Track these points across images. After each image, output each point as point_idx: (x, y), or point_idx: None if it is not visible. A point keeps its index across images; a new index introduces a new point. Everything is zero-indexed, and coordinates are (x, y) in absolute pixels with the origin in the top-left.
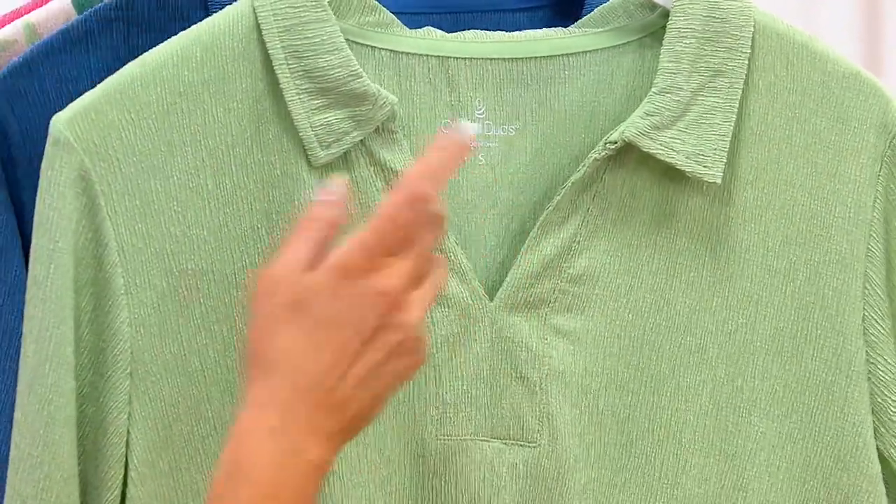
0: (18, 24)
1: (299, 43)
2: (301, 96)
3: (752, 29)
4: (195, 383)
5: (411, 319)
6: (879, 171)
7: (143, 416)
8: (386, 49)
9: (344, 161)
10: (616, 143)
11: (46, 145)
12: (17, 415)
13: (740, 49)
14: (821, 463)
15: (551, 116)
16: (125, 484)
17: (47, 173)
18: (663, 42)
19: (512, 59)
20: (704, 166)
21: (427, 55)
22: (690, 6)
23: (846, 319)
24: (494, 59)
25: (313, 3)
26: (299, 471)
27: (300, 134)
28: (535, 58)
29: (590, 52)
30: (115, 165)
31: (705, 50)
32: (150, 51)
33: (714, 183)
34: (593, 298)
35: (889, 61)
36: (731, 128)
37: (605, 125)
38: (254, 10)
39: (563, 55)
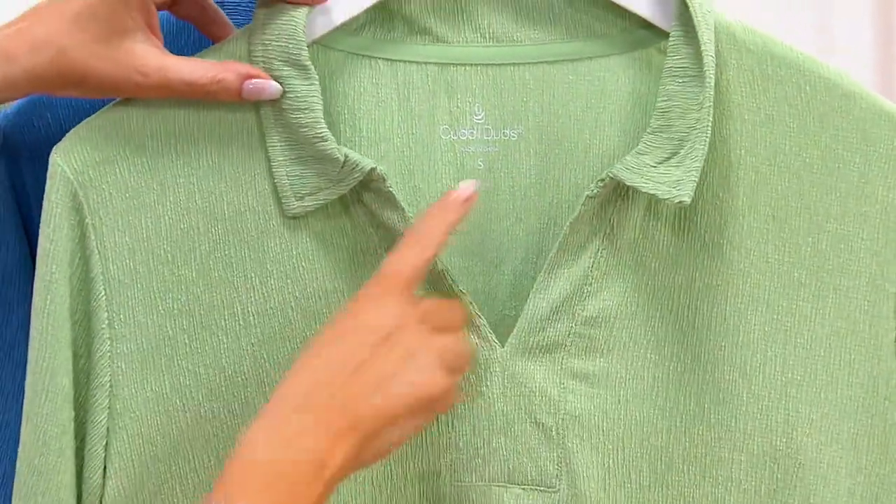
0: None
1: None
2: (280, 145)
3: (713, 62)
4: (175, 423)
5: (417, 341)
6: None
7: (118, 451)
8: (384, 58)
9: (341, 205)
10: (604, 179)
11: (47, 175)
12: (20, 444)
13: (707, 81)
14: (867, 490)
15: (556, 121)
16: None
17: (46, 204)
18: (660, 82)
19: (514, 63)
20: (678, 190)
21: (426, 62)
22: (684, 47)
23: (879, 341)
24: (496, 64)
25: (295, 58)
26: (300, 462)
27: (275, 181)
28: (540, 62)
29: (597, 58)
30: (108, 200)
31: (699, 87)
32: None
33: (682, 202)
34: (611, 340)
35: None
36: (703, 151)
37: (611, 132)
38: (250, 57)
39: (569, 60)
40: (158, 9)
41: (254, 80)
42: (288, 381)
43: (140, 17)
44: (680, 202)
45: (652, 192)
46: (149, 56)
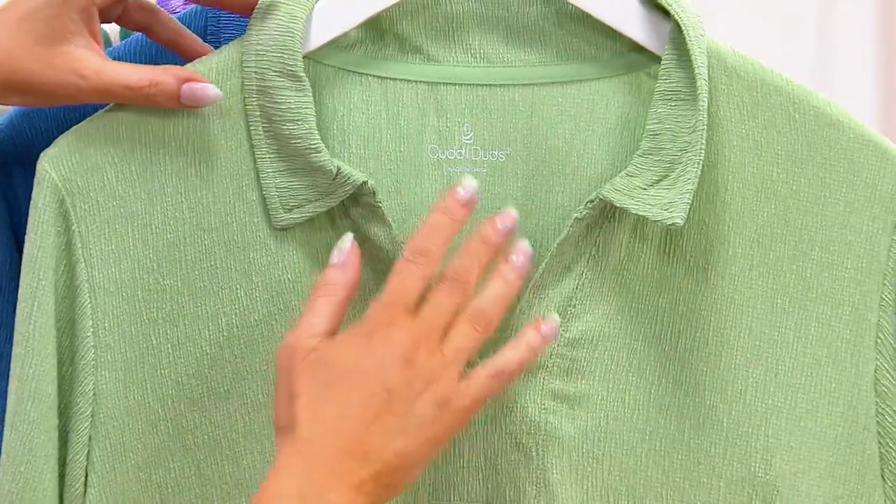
0: None
1: (270, 106)
2: (270, 156)
3: (706, 84)
4: (157, 432)
5: (436, 363)
6: None
7: (100, 459)
8: (375, 76)
9: (328, 218)
10: (593, 201)
11: (34, 181)
12: (2, 451)
13: (701, 103)
14: None
15: (544, 143)
16: None
17: (33, 210)
18: (650, 105)
19: (504, 84)
20: (670, 212)
21: (416, 81)
22: (676, 71)
23: (860, 371)
24: (486, 84)
25: (290, 69)
26: None
27: (263, 193)
28: (529, 84)
29: (587, 81)
30: (95, 208)
31: (690, 110)
32: None
33: (675, 224)
34: (593, 362)
35: None
36: (697, 172)
37: (599, 155)
38: (241, 67)
39: (559, 83)
40: (102, 17)
41: (192, 84)
42: (305, 427)
43: (81, 21)
44: (672, 224)
45: (643, 213)
46: (87, 59)
